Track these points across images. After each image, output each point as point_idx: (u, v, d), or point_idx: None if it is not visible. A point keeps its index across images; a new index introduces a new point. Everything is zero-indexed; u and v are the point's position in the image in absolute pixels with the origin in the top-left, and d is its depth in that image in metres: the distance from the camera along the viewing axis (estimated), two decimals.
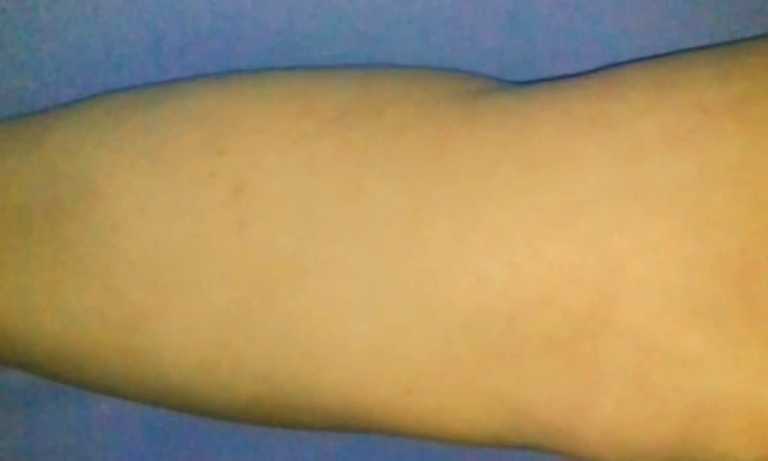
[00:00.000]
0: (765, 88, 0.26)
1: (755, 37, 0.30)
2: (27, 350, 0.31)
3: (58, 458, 0.39)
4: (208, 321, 0.28)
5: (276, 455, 0.40)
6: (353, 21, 0.33)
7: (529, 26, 0.33)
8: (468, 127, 0.28)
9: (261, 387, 0.29)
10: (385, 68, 0.32)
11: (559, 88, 0.29)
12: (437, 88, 0.30)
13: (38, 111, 0.33)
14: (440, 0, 0.33)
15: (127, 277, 0.29)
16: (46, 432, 0.39)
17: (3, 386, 0.38)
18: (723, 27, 0.32)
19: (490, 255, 0.27)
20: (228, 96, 0.30)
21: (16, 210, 0.30)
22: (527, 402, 0.27)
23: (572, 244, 0.26)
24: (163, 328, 0.29)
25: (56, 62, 0.33)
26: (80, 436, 0.39)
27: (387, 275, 0.27)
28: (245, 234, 0.28)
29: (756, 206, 0.25)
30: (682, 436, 0.26)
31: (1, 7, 0.33)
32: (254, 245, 0.28)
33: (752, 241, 0.25)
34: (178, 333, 0.29)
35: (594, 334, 0.26)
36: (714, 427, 0.26)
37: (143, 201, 0.29)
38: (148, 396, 0.31)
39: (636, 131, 0.27)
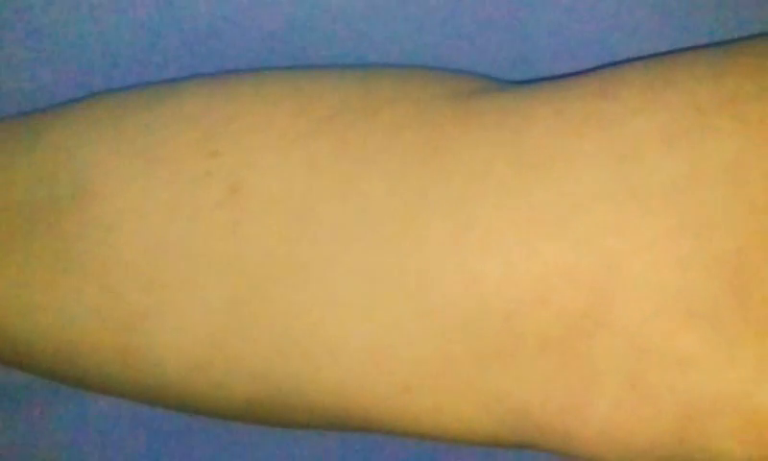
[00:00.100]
0: (760, 87, 0.26)
1: (749, 37, 0.30)
2: (24, 349, 0.31)
3: (55, 457, 0.39)
4: (204, 320, 0.29)
5: (274, 454, 0.40)
6: (350, 21, 0.33)
7: (525, 26, 0.33)
8: (465, 126, 0.28)
9: (258, 386, 0.29)
10: (381, 68, 0.32)
11: (554, 88, 0.29)
12: (433, 88, 0.30)
13: (35, 111, 0.33)
14: (436, 0, 0.33)
15: (123, 276, 0.29)
16: (43, 431, 0.39)
17: (0, 385, 0.38)
18: (718, 27, 0.32)
19: (485, 255, 0.27)
20: (224, 96, 0.30)
21: (13, 210, 0.30)
22: (523, 402, 0.27)
23: (567, 244, 0.26)
24: (159, 328, 0.29)
25: (52, 62, 0.33)
26: (77, 435, 0.39)
27: (383, 274, 0.27)
28: (241, 234, 0.28)
29: (751, 205, 0.25)
30: (677, 436, 0.26)
31: None
32: (250, 244, 0.28)
33: (747, 241, 0.25)
34: (174, 332, 0.29)
35: (590, 334, 0.26)
36: (709, 427, 0.26)
37: (139, 200, 0.29)
38: (144, 395, 0.31)
39: (631, 130, 0.27)
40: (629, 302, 0.26)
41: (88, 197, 0.29)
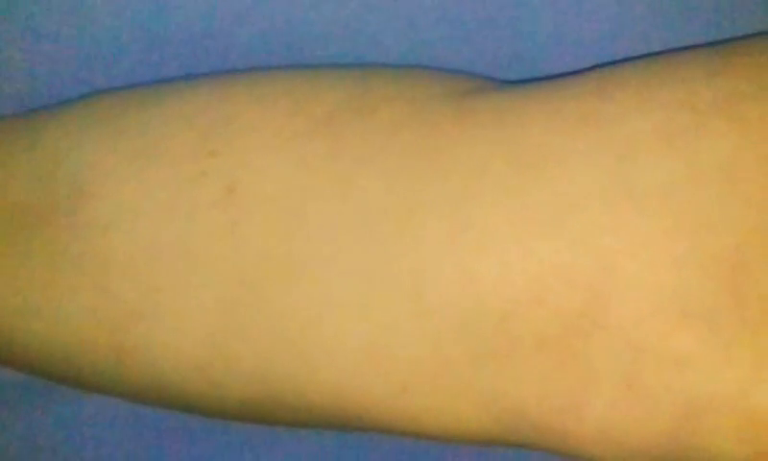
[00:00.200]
0: (755, 87, 0.26)
1: (745, 36, 0.30)
2: (20, 348, 0.31)
3: (50, 456, 0.39)
4: (201, 321, 0.29)
5: (271, 452, 0.40)
6: (347, 20, 0.33)
7: (522, 25, 0.33)
8: (461, 126, 0.28)
9: (254, 386, 0.29)
10: (378, 67, 0.32)
11: (550, 87, 0.29)
12: (430, 87, 0.30)
13: (31, 111, 0.33)
14: None
15: (119, 276, 0.29)
16: (39, 430, 0.39)
17: None
18: (714, 26, 0.32)
19: (481, 255, 0.27)
20: (220, 96, 0.30)
21: (9, 210, 0.30)
22: (520, 401, 0.27)
23: (563, 243, 0.26)
24: (155, 328, 0.29)
25: (48, 62, 0.33)
26: (73, 434, 0.39)
27: (379, 274, 0.27)
28: (237, 234, 0.28)
29: (746, 205, 0.25)
30: (673, 435, 0.26)
31: None
32: (247, 245, 0.28)
33: (743, 240, 0.25)
34: (170, 333, 0.29)
35: (586, 334, 0.26)
36: (706, 427, 0.26)
37: (136, 200, 0.29)
38: (141, 395, 0.31)
39: (626, 130, 0.27)
40: (625, 301, 0.26)
41: (85, 197, 0.29)
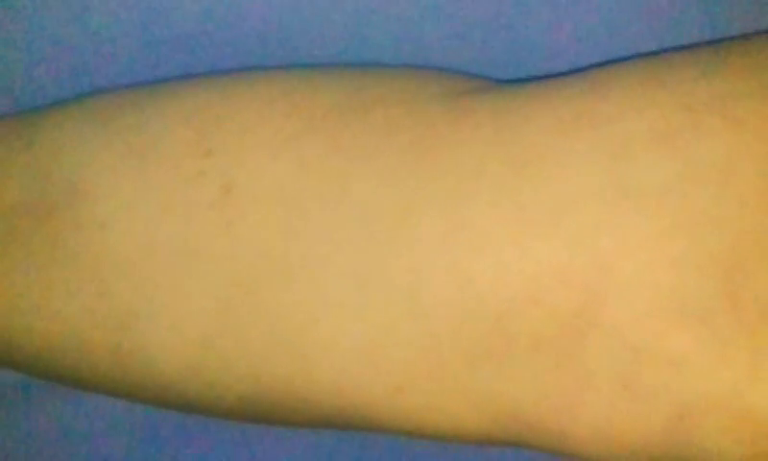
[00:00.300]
0: (751, 87, 0.26)
1: (740, 36, 0.30)
2: (17, 348, 0.31)
3: (49, 455, 0.39)
4: (197, 320, 0.29)
5: (268, 452, 0.40)
6: (343, 20, 0.33)
7: (518, 25, 0.33)
8: (456, 126, 0.28)
9: (250, 386, 0.29)
10: (374, 67, 0.32)
11: (546, 87, 0.29)
12: (425, 87, 0.30)
13: (28, 111, 0.33)
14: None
15: (116, 276, 0.29)
16: (37, 430, 0.39)
17: None
18: (710, 26, 0.32)
19: (477, 255, 0.27)
20: (216, 95, 0.30)
21: (6, 210, 0.30)
22: (516, 401, 0.27)
23: (560, 243, 0.26)
24: (152, 327, 0.29)
25: (44, 62, 0.33)
26: (71, 433, 0.39)
27: (375, 274, 0.27)
28: (233, 234, 0.28)
29: (742, 204, 0.25)
30: (670, 435, 0.26)
31: None
32: (243, 244, 0.28)
33: (739, 240, 0.25)
34: (166, 332, 0.29)
35: (582, 334, 0.26)
36: (702, 426, 0.26)
37: (131, 200, 0.29)
38: (138, 394, 0.31)
39: (622, 129, 0.27)
40: (621, 301, 0.26)
41: (81, 196, 0.29)
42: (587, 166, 0.27)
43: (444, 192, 0.27)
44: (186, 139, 0.29)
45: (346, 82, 0.31)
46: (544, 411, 0.27)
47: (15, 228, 0.30)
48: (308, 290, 0.28)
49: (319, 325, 0.28)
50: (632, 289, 0.26)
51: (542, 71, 0.32)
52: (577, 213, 0.26)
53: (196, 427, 0.40)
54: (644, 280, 0.26)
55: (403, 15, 0.33)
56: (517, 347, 0.27)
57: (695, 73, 0.27)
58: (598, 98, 0.27)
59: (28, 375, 0.34)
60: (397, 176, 0.28)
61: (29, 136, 0.31)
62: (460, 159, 0.28)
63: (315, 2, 0.33)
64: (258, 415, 0.31)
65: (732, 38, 0.30)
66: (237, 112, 0.30)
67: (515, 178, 0.27)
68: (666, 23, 0.32)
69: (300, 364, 0.28)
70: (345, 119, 0.29)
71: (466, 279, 0.27)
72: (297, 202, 0.28)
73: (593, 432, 0.27)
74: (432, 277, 0.27)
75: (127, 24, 0.33)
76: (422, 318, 0.27)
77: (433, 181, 0.28)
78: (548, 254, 0.26)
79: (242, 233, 0.28)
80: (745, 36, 0.30)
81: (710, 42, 0.30)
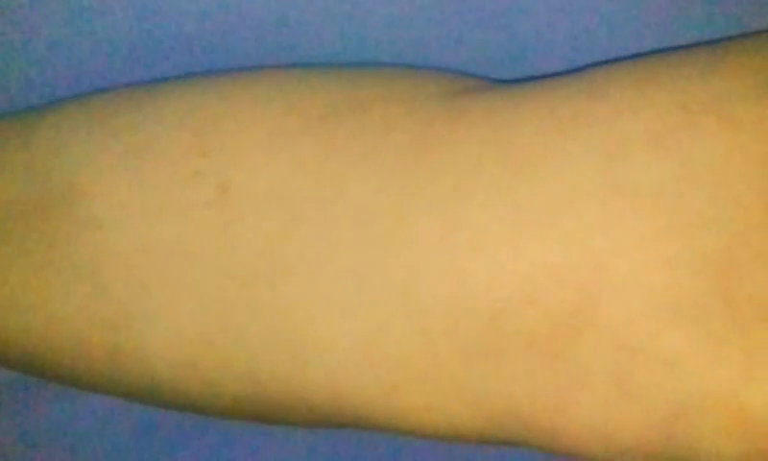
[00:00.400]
0: (746, 87, 0.26)
1: (737, 36, 0.30)
2: (14, 347, 0.31)
3: (45, 455, 0.39)
4: (193, 320, 0.29)
5: (265, 451, 0.40)
6: (340, 19, 0.33)
7: (514, 25, 0.33)
8: (453, 125, 0.28)
9: (247, 385, 0.29)
10: (371, 67, 0.32)
11: (542, 87, 0.29)
12: (422, 87, 0.30)
13: (24, 110, 0.33)
14: None
15: (112, 275, 0.29)
16: (34, 429, 0.39)
17: None
18: (706, 26, 0.32)
19: (473, 254, 0.27)
20: (213, 95, 0.30)
21: (2, 209, 0.30)
22: (510, 400, 0.27)
23: (555, 243, 0.26)
24: (149, 327, 0.29)
25: (41, 61, 0.33)
26: (67, 432, 0.39)
27: (371, 273, 0.27)
28: (230, 233, 0.28)
29: (737, 205, 0.25)
30: (664, 434, 0.26)
31: None
32: (239, 244, 0.28)
33: (733, 241, 0.25)
34: (163, 332, 0.29)
35: (577, 333, 0.26)
36: (696, 426, 0.26)
37: (128, 200, 0.29)
38: (135, 393, 0.31)
39: (617, 129, 0.27)
40: (616, 301, 0.26)
41: (78, 196, 0.30)
42: (582, 166, 0.27)
43: (441, 192, 0.27)
44: (183, 139, 0.29)
45: (342, 81, 0.31)
46: (539, 410, 0.27)
47: (12, 227, 0.30)
48: (305, 289, 0.28)
49: (315, 323, 0.28)
50: (626, 289, 0.26)
51: (539, 71, 0.32)
52: (572, 213, 0.26)
53: (193, 427, 0.40)
54: (639, 280, 0.26)
55: (400, 15, 0.33)
56: (513, 346, 0.27)
57: (691, 73, 0.27)
58: (594, 98, 0.28)
59: (24, 373, 0.34)
60: (394, 175, 0.28)
61: (26, 136, 0.31)
62: (456, 159, 0.28)
63: (311, 2, 0.33)
64: (255, 414, 0.31)
65: (729, 38, 0.30)
66: (234, 112, 0.30)
67: (511, 178, 0.27)
68: (663, 23, 0.32)
69: (296, 362, 0.28)
70: (341, 119, 0.29)
71: (461, 279, 0.27)
72: (293, 201, 0.28)
73: (588, 431, 0.27)
74: (428, 276, 0.27)
75: (124, 24, 0.33)
76: (418, 316, 0.27)
77: (430, 181, 0.28)
78: (543, 254, 0.26)
79: (239, 233, 0.28)
80: (741, 36, 0.30)
81: (708, 42, 0.30)
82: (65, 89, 0.34)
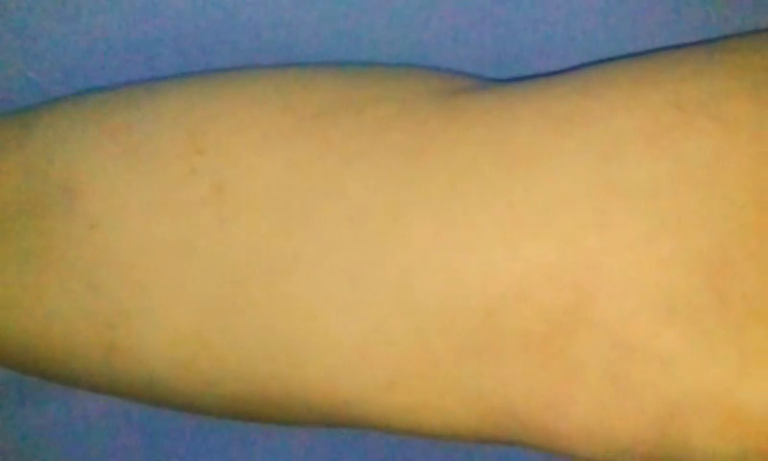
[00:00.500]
0: (741, 86, 0.26)
1: (732, 35, 0.30)
2: (10, 346, 0.31)
3: (41, 454, 0.39)
4: (190, 319, 0.29)
5: (263, 450, 0.40)
6: (336, 19, 0.33)
7: (510, 24, 0.33)
8: (449, 125, 0.28)
9: (243, 384, 0.29)
10: (366, 66, 0.32)
11: (538, 86, 0.29)
12: (418, 86, 0.30)
13: (20, 109, 0.33)
14: None
15: (109, 274, 0.29)
16: (29, 428, 0.39)
17: None
18: (701, 25, 0.32)
19: (468, 253, 0.27)
20: (208, 94, 0.30)
21: None
22: (505, 398, 0.27)
23: (549, 242, 0.26)
24: (145, 326, 0.29)
25: (37, 61, 0.33)
26: (63, 432, 0.39)
27: (366, 272, 0.27)
28: (226, 232, 0.28)
29: (731, 204, 0.26)
30: (658, 432, 0.26)
31: None
32: (235, 243, 0.28)
33: (727, 239, 0.25)
34: (159, 330, 0.29)
35: (571, 331, 0.26)
36: (691, 424, 0.26)
37: (124, 199, 0.29)
38: (131, 392, 0.31)
39: (612, 128, 0.27)
40: (610, 299, 0.26)
41: (73, 195, 0.30)
42: (577, 165, 0.27)
43: (436, 191, 0.27)
44: (178, 138, 0.29)
45: (338, 81, 0.31)
46: (534, 408, 0.27)
47: (8, 227, 0.30)
48: (300, 288, 0.28)
49: (311, 322, 0.28)
50: (621, 287, 0.26)
51: (534, 70, 0.32)
52: (567, 212, 0.26)
53: (190, 426, 0.40)
54: (633, 279, 0.26)
55: (396, 14, 0.33)
56: (507, 344, 0.27)
57: (685, 72, 0.27)
58: (589, 97, 0.28)
59: (21, 373, 0.34)
60: (389, 174, 0.28)
61: (22, 135, 0.31)
62: (451, 158, 0.28)
63: (307, 1, 0.33)
64: (252, 413, 0.31)
65: (724, 38, 0.30)
66: (229, 111, 0.30)
67: (505, 177, 0.27)
68: (659, 22, 0.32)
69: (292, 361, 0.28)
70: (337, 118, 0.29)
71: (456, 277, 0.27)
72: (289, 200, 0.28)
73: (583, 429, 0.27)
74: (423, 274, 0.27)
75: (119, 23, 0.33)
76: (413, 315, 0.27)
77: (424, 180, 0.28)
78: (538, 253, 0.26)
79: (234, 231, 0.28)
80: (737, 36, 0.30)
81: (703, 42, 0.30)
82: (61, 88, 0.34)
